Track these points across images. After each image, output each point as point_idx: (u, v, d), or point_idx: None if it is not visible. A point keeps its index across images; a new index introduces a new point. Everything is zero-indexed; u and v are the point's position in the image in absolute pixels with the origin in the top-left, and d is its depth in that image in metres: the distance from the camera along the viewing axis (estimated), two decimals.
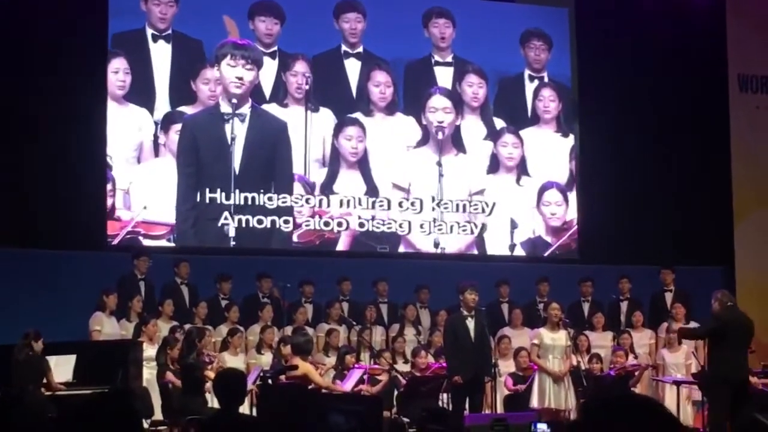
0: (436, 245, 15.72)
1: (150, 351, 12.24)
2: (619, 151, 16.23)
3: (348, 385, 12.09)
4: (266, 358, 12.81)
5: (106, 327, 12.72)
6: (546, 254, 16.12)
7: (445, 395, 12.47)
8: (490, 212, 15.94)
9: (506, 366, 13.36)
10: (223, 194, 14.81)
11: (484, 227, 15.89)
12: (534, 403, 12.49)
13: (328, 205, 15.36)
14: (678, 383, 12.97)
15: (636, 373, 13.17)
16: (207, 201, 14.78)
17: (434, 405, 11.85)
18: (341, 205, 15.36)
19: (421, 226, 15.65)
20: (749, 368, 11.87)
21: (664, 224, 16.30)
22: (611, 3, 16.64)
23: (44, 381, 11.02)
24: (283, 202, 15.05)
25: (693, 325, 13.14)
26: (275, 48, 15.46)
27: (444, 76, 16.26)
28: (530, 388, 12.67)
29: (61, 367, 11.35)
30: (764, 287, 15.87)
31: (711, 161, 16.43)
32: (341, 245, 15.43)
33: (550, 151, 16.47)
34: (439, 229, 15.71)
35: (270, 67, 15.42)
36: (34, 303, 12.98)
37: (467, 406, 11.99)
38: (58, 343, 11.61)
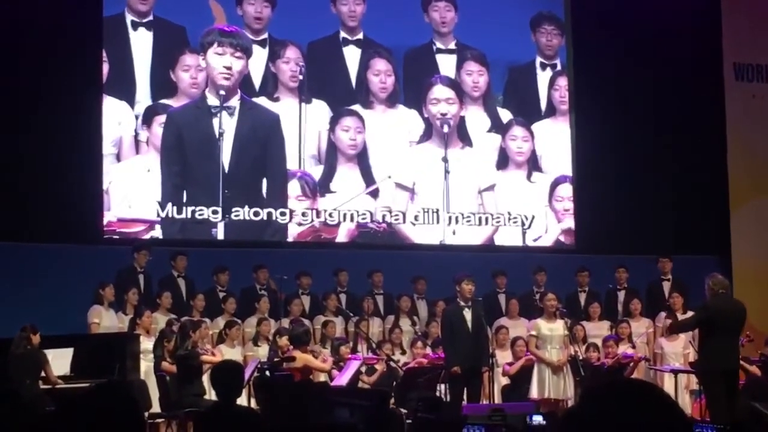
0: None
1: (146, 343, 12.25)
2: (615, 141, 16.19)
3: (345, 376, 12.09)
4: (263, 350, 12.80)
5: (105, 320, 12.73)
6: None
7: (442, 386, 12.48)
8: (497, 216, 15.51)
9: (504, 356, 13.36)
10: (213, 194, 14.28)
11: (490, 222, 15.42)
12: (533, 393, 12.52)
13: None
14: (676, 372, 12.98)
15: (630, 365, 13.14)
16: (194, 202, 14.22)
17: (429, 394, 11.86)
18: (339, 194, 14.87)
19: (427, 223, 15.19)
20: (744, 356, 11.87)
21: (661, 213, 16.29)
22: None
23: (42, 375, 11.01)
24: (281, 193, 14.66)
25: (689, 314, 13.11)
26: (265, 35, 14.77)
27: (446, 64, 15.56)
28: (529, 378, 12.69)
29: (59, 361, 11.36)
30: (760, 276, 15.88)
31: (707, 150, 16.42)
32: (342, 238, 14.98)
33: (567, 144, 16.00)
34: (449, 228, 15.22)
35: (260, 56, 14.74)
36: (30, 297, 12.97)
37: (465, 396, 12.00)
38: (55, 336, 11.61)
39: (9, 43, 13.83)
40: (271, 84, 14.83)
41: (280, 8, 14.89)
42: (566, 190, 15.97)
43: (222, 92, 14.37)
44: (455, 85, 15.54)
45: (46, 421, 4.53)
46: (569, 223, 15.91)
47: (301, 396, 9.67)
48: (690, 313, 13.08)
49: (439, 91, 15.40)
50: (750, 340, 12.54)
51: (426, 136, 15.35)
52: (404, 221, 15.20)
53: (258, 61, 14.81)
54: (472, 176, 15.47)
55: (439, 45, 15.64)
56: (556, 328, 12.69)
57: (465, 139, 15.47)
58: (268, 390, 10.84)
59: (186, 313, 13.09)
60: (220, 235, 14.45)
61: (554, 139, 16.01)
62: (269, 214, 14.66)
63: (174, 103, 14.43)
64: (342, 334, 13.62)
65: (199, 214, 14.34)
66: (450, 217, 15.33)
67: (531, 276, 14.74)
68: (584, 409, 2.59)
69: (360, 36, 15.26)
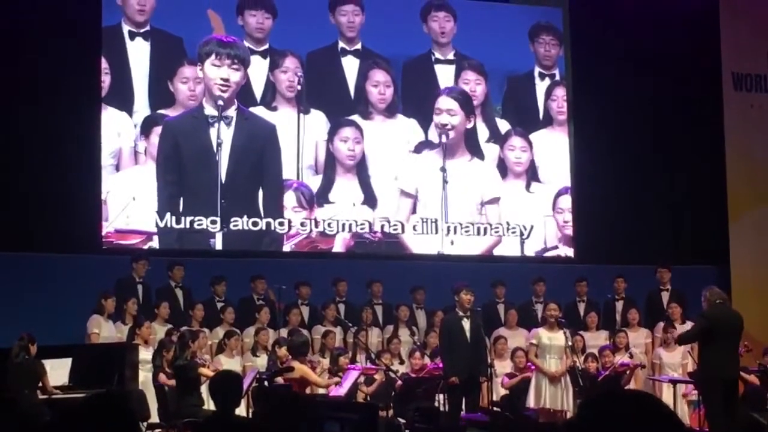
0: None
1: (145, 354, 12.24)
2: (614, 150, 16.20)
3: (344, 387, 12.08)
4: (262, 361, 12.79)
5: (104, 330, 12.72)
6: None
7: (441, 396, 12.47)
8: (497, 226, 15.46)
9: (502, 366, 13.35)
10: (209, 204, 14.24)
11: (489, 233, 15.40)
12: (530, 402, 12.51)
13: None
14: (674, 382, 12.97)
15: (627, 373, 13.12)
16: (191, 212, 14.17)
17: (426, 405, 11.84)
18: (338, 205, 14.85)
19: (425, 233, 15.15)
20: (742, 366, 11.86)
21: (659, 223, 16.30)
22: (605, 2, 16.58)
23: (39, 385, 10.99)
24: (277, 203, 14.63)
25: (689, 324, 13.11)
26: (266, 46, 14.74)
27: (445, 74, 15.54)
28: (527, 387, 12.68)
29: (57, 371, 11.33)
30: (759, 285, 15.86)
31: (705, 160, 16.43)
32: (338, 248, 14.93)
33: (565, 154, 15.99)
34: (447, 237, 15.19)
35: (261, 66, 14.71)
36: (28, 306, 12.95)
37: (463, 406, 11.98)
38: (53, 346, 11.59)
39: (7, 54, 13.83)
40: (270, 94, 14.79)
41: (279, 18, 14.86)
42: (567, 202, 15.95)
43: (220, 102, 14.33)
44: (462, 96, 15.45)
45: (43, 431, 4.52)
46: (569, 233, 15.90)
47: (300, 407, 9.65)
48: (689, 324, 13.08)
49: (443, 101, 15.37)
50: (748, 350, 12.54)
51: (425, 145, 15.33)
52: (403, 231, 15.18)
53: (259, 72, 14.77)
54: (471, 186, 15.43)
55: (437, 55, 15.62)
56: (557, 337, 12.68)
57: (476, 152, 15.39)
58: (266, 400, 10.82)
59: (184, 323, 13.07)
60: (219, 245, 14.41)
61: (552, 149, 15.99)
62: (268, 224, 14.63)
63: (172, 113, 14.38)
64: (341, 345, 13.60)
65: (198, 224, 14.30)
66: (448, 227, 15.30)
67: (530, 286, 14.74)
68: (583, 419, 2.58)
69: (359, 46, 15.25)
